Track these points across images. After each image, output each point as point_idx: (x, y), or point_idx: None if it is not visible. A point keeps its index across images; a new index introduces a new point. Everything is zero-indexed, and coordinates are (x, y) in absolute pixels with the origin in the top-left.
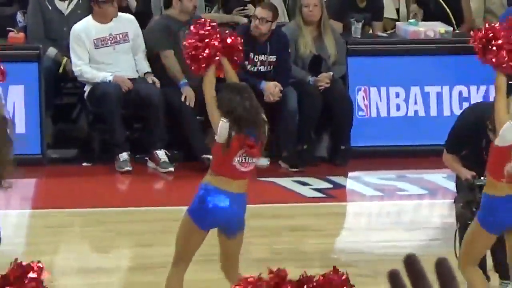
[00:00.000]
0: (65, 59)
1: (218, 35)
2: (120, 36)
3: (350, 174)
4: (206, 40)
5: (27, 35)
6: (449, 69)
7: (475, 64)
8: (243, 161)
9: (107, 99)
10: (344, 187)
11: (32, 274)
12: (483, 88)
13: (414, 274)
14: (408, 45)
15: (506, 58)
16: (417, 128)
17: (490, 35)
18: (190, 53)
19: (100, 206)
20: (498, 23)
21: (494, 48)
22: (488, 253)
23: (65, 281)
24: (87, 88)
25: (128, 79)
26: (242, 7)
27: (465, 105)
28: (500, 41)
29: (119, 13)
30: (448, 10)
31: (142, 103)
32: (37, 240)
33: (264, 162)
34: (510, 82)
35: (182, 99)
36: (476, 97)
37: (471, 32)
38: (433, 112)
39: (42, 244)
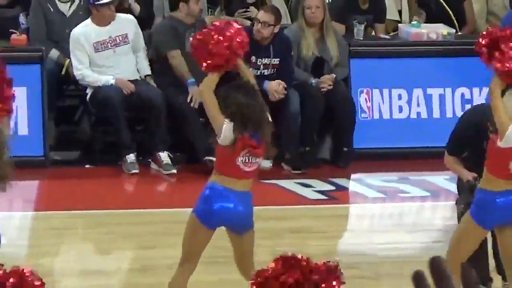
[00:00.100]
0: (68, 60)
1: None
2: (120, 38)
3: (352, 176)
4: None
5: (30, 37)
6: (452, 71)
7: (477, 66)
8: (247, 161)
9: (109, 103)
10: (347, 189)
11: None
12: (485, 90)
13: (438, 275)
14: (410, 47)
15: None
16: (419, 130)
17: (497, 39)
18: (209, 49)
19: (102, 208)
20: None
21: (499, 54)
22: (490, 254)
23: (67, 283)
24: (89, 91)
25: (130, 81)
26: (244, 9)
27: (468, 107)
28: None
29: (118, 14)
30: (450, 12)
31: (144, 105)
32: (40, 242)
33: (266, 164)
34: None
35: (188, 99)
36: (479, 99)
37: (479, 39)
38: (436, 114)
39: (44, 246)
